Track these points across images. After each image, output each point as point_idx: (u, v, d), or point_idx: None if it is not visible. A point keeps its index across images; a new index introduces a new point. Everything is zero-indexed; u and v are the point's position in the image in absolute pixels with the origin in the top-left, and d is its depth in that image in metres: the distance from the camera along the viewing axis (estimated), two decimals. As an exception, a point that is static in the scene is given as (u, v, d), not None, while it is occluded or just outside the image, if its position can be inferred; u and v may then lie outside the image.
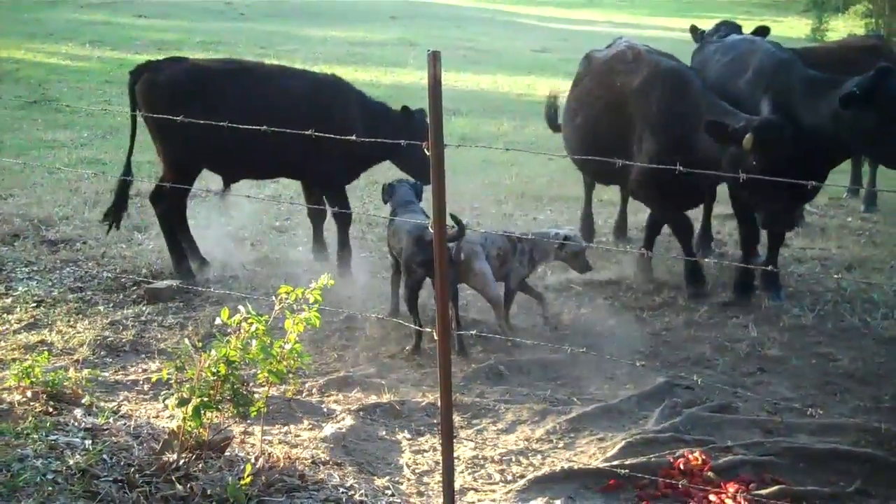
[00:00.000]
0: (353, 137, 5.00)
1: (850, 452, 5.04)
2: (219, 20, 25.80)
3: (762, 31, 9.28)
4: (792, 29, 30.95)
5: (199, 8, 27.25)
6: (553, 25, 30.33)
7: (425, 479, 4.75)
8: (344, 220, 8.09)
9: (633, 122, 7.61)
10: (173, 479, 4.14)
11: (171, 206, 7.76)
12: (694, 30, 9.72)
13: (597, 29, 29.07)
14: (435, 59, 3.57)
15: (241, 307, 4.44)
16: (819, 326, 7.07)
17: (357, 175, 8.43)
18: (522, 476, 4.77)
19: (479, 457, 5.01)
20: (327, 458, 4.70)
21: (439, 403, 3.87)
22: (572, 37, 26.46)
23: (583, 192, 9.58)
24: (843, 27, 29.11)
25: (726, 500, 4.51)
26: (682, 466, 4.77)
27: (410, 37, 23.90)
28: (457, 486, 4.67)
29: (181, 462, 4.26)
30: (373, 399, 5.64)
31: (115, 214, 7.87)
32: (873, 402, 5.85)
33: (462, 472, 4.84)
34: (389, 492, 4.52)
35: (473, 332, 6.37)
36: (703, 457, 4.83)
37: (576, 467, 4.78)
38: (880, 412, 5.71)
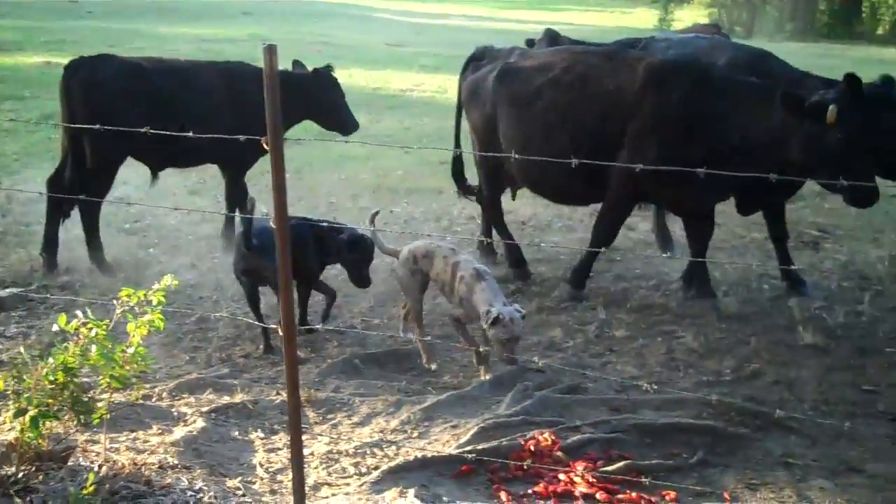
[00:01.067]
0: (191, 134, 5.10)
1: (692, 425, 5.23)
2: (64, 19, 24.99)
3: (553, 33, 9.55)
4: (640, 20, 31.89)
5: (43, 6, 26.37)
6: (408, 19, 30.47)
7: (279, 476, 4.71)
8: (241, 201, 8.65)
9: (636, 122, 6.94)
10: (12, 492, 3.99)
11: (93, 199, 7.74)
12: (531, 43, 9.94)
13: (452, 22, 29.38)
14: (270, 52, 3.53)
15: (78, 312, 4.32)
16: (665, 306, 7.31)
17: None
18: (377, 468, 4.78)
19: (334, 451, 5.00)
20: (176, 462, 4.62)
21: (280, 400, 3.84)
22: (427, 30, 26.66)
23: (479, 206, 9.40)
24: (689, 17, 30.10)
25: (575, 479, 4.63)
26: (532, 448, 4.86)
27: (263, 33, 23.60)
28: (311, 481, 4.67)
29: (20, 475, 4.11)
30: (225, 400, 5.55)
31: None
32: (715, 376, 6.09)
33: (316, 467, 4.83)
34: (241, 492, 4.47)
35: (318, 325, 6.37)
36: (553, 437, 4.93)
37: (429, 455, 4.82)
38: (721, 385, 5.96)
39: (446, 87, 18.52)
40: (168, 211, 8.97)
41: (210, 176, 11.55)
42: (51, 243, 7.97)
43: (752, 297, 7.50)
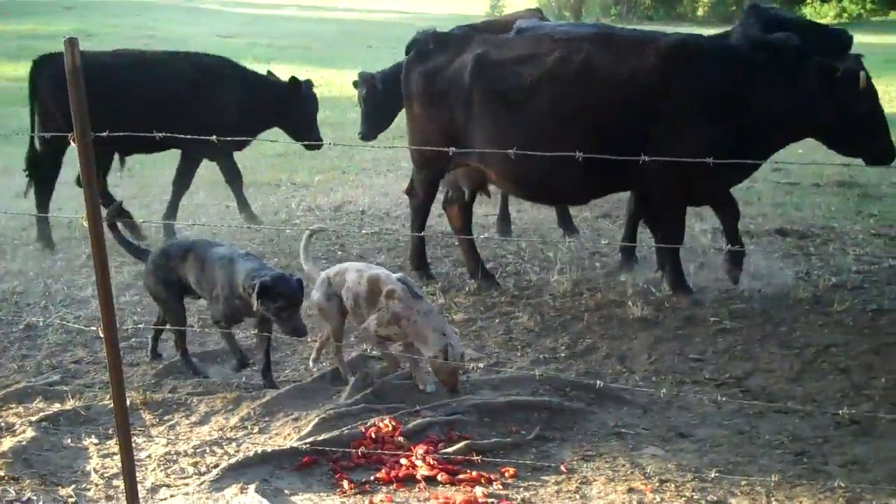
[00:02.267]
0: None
1: (529, 402, 5.35)
2: None
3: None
4: (472, 6, 32.31)
5: None
6: (238, 10, 29.95)
7: (114, 482, 4.58)
8: (237, 180, 9.43)
9: (658, 109, 6.69)
10: None
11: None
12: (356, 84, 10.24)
13: (284, 13, 29.04)
14: (72, 46, 3.43)
15: None
16: (502, 287, 7.44)
17: (248, 142, 9.14)
18: (217, 466, 4.71)
19: (172, 452, 4.90)
20: (2, 474, 4.43)
21: (112, 404, 3.75)
22: (258, 21, 26.30)
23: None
24: (521, 3, 30.59)
25: (416, 462, 4.68)
26: (373, 435, 4.88)
27: (86, 27, 22.84)
28: (148, 484, 4.58)
29: None
30: (56, 407, 5.37)
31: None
32: (551, 353, 6.25)
33: (154, 469, 4.72)
34: (73, 499, 4.34)
35: (144, 325, 6.24)
36: (394, 423, 4.96)
37: (269, 450, 4.78)
38: (557, 361, 6.13)
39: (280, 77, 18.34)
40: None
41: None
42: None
43: (585, 274, 7.72)
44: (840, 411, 4.58)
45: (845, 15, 32.38)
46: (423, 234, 7.63)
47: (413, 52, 7.54)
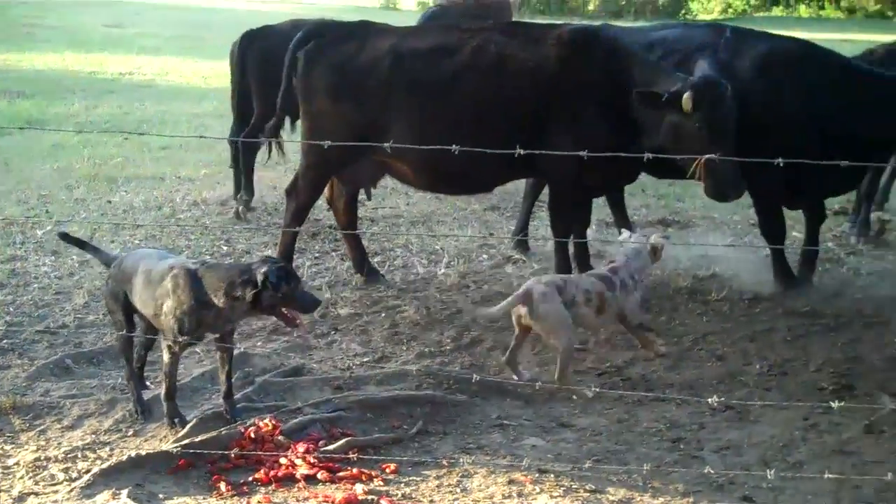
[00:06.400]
0: None
1: (412, 396, 5.33)
2: None
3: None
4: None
5: None
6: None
7: (-21, 491, 4.42)
8: None
9: (556, 99, 6.51)
10: None
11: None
12: None
13: (171, 2, 28.46)
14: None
15: None
16: (389, 281, 7.41)
17: None
18: (88, 471, 4.57)
19: (42, 458, 4.72)
20: None
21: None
22: (145, 10, 25.71)
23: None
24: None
25: (296, 461, 4.61)
26: (252, 435, 4.79)
27: (-34, 16, 22.04)
28: (16, 492, 4.42)
29: None
30: (-81, 414, 5.14)
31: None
32: (436, 347, 6.24)
33: (22, 477, 4.55)
34: (-68, 511, 4.17)
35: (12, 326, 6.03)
36: (273, 422, 4.88)
37: (143, 453, 4.66)
38: (443, 355, 6.12)
39: (167, 69, 17.98)
40: None
41: None
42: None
43: (472, 267, 7.73)
44: (710, 399, 4.67)
45: (730, 10, 33.18)
46: (297, 230, 7.26)
47: (312, 44, 6.94)
